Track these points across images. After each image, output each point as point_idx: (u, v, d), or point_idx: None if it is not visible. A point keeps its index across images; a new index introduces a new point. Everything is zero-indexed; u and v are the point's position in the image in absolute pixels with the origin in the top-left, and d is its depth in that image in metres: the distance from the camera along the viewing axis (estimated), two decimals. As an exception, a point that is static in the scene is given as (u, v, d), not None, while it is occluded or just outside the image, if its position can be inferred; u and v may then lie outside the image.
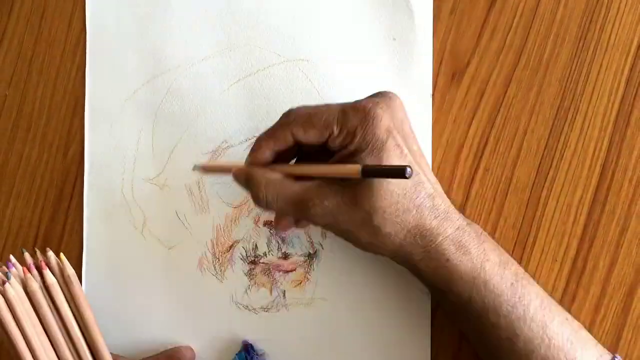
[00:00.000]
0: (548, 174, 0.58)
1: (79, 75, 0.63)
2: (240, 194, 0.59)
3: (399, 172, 0.46)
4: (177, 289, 0.60)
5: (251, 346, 0.59)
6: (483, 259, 0.51)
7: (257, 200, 0.52)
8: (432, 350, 0.58)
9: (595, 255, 0.58)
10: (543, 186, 0.58)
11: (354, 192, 0.49)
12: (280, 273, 0.60)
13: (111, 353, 0.55)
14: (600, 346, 0.52)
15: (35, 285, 0.52)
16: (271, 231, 0.60)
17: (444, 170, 0.59)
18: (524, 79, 0.59)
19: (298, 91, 0.60)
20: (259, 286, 0.60)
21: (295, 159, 0.55)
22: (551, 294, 0.57)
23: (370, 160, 0.49)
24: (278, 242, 0.60)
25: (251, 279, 0.60)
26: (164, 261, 0.61)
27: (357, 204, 0.49)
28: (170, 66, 0.61)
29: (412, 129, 0.52)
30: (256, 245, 0.60)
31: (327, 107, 0.51)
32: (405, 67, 0.59)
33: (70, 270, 0.53)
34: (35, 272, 0.53)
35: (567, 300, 0.58)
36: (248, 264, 0.60)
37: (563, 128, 0.58)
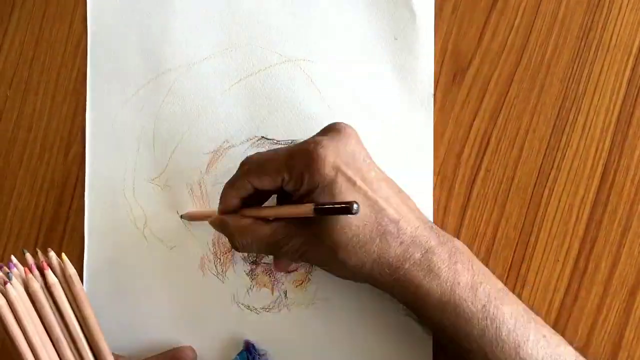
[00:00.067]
0: (550, 174, 0.58)
1: (79, 76, 0.63)
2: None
3: (346, 209, 0.47)
4: (178, 289, 0.60)
5: (253, 346, 0.59)
6: (453, 282, 0.51)
7: (234, 247, 0.55)
8: (433, 344, 0.58)
9: (597, 256, 0.58)
10: (545, 186, 0.58)
11: (316, 229, 0.51)
12: (282, 273, 0.60)
13: (113, 353, 0.55)
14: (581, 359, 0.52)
15: (36, 285, 0.52)
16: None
17: (445, 171, 0.59)
18: (526, 79, 0.59)
19: (299, 91, 0.60)
20: (260, 286, 0.60)
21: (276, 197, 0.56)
22: (553, 294, 0.58)
23: (323, 198, 0.50)
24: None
25: (253, 279, 0.60)
26: (165, 261, 0.60)
27: (320, 240, 0.51)
28: (172, 66, 0.61)
29: (368, 156, 0.53)
30: (257, 246, 0.60)
31: (276, 153, 0.52)
32: (407, 66, 0.59)
33: (71, 270, 0.53)
34: (36, 272, 0.53)
35: (569, 300, 0.58)
36: (249, 264, 0.60)
37: (565, 128, 0.58)
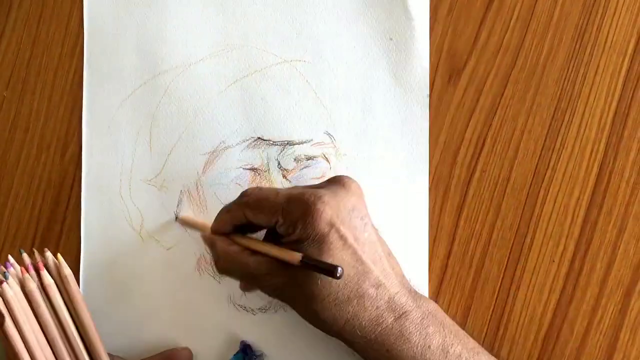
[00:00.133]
0: (545, 174, 0.58)
1: (76, 76, 0.63)
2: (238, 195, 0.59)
3: (330, 271, 0.48)
4: (174, 290, 0.60)
5: (249, 347, 0.59)
6: (424, 346, 0.51)
7: (216, 267, 0.55)
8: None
9: (593, 257, 0.58)
10: (540, 187, 0.58)
11: (298, 275, 0.51)
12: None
13: (108, 353, 0.55)
14: None
15: (32, 285, 0.52)
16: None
17: (441, 172, 0.59)
18: (521, 80, 0.59)
19: (295, 91, 0.60)
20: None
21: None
22: (548, 295, 0.58)
23: (312, 250, 0.50)
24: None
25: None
26: (161, 262, 0.60)
27: (299, 287, 0.51)
28: (168, 67, 0.61)
29: (366, 216, 0.53)
30: (254, 246, 0.60)
31: (277, 194, 0.53)
32: (402, 67, 0.60)
33: (67, 271, 0.54)
34: (33, 272, 0.53)
35: (564, 301, 0.58)
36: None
37: (560, 129, 0.58)
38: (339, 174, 0.55)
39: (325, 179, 0.56)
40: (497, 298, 0.58)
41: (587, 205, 0.58)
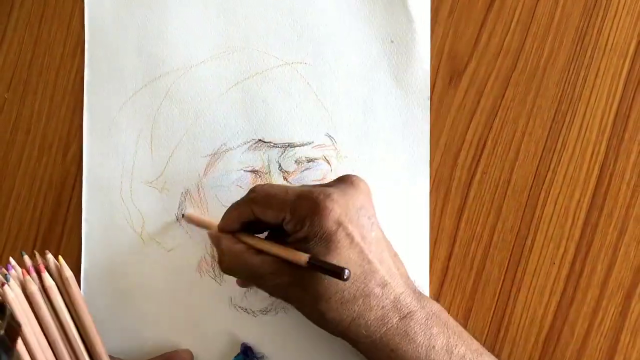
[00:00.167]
0: (546, 176, 0.58)
1: (78, 77, 0.63)
2: (240, 197, 0.59)
3: (337, 273, 0.48)
4: (175, 292, 0.60)
5: (250, 349, 0.59)
6: (428, 347, 0.51)
7: (220, 266, 0.55)
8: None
9: (593, 259, 0.58)
10: (541, 189, 0.58)
11: (304, 275, 0.51)
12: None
13: (109, 355, 0.55)
14: None
15: (34, 287, 0.52)
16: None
17: (441, 174, 0.59)
18: (522, 82, 0.59)
19: (296, 94, 0.60)
20: (257, 289, 0.60)
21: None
22: (549, 297, 0.58)
23: (319, 248, 0.50)
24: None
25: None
26: (162, 264, 0.60)
27: (305, 287, 0.51)
28: (169, 69, 0.61)
29: (374, 215, 0.53)
30: (255, 248, 0.60)
31: (286, 191, 0.52)
32: (403, 69, 0.60)
33: (68, 273, 0.54)
34: (34, 274, 0.53)
35: (565, 303, 0.58)
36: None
37: (561, 131, 0.58)
38: (347, 173, 0.54)
39: (326, 181, 0.57)
40: (497, 300, 0.58)
41: (587, 208, 0.58)
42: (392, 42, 0.60)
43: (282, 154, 0.60)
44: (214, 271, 0.60)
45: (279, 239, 0.53)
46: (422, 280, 0.58)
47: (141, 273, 0.61)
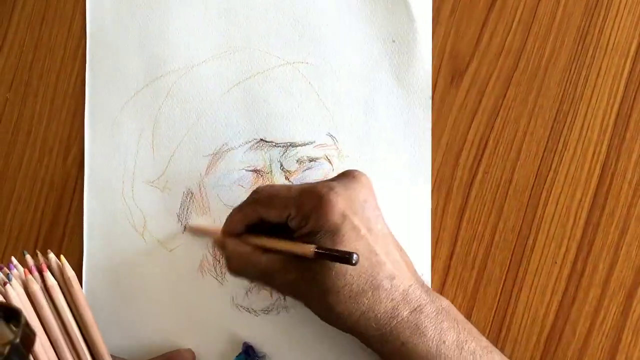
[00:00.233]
0: (547, 176, 0.58)
1: (79, 79, 0.63)
2: (241, 196, 0.59)
3: (345, 258, 0.47)
4: (177, 291, 0.60)
5: (252, 348, 0.59)
6: (439, 341, 0.51)
7: (228, 269, 0.55)
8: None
9: (595, 258, 0.58)
10: (542, 189, 0.58)
11: (312, 269, 0.51)
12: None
13: (111, 355, 0.55)
14: None
15: (36, 286, 0.52)
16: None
17: (443, 173, 0.59)
18: (523, 82, 0.59)
19: (298, 93, 0.60)
20: (259, 288, 0.60)
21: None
22: (551, 296, 0.58)
23: (325, 242, 0.50)
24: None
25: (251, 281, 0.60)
26: (164, 263, 0.61)
27: (314, 280, 0.51)
28: (170, 69, 0.61)
29: (377, 208, 0.53)
30: (256, 248, 0.60)
31: (289, 189, 0.53)
32: (405, 69, 0.60)
33: (70, 272, 0.54)
34: (36, 273, 0.53)
35: (566, 303, 0.58)
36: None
37: (562, 131, 0.58)
38: (349, 169, 0.55)
39: (328, 180, 0.57)
40: (499, 300, 0.58)
41: (589, 207, 0.58)
42: (393, 41, 0.60)
43: (284, 153, 0.60)
44: (215, 271, 0.60)
45: (283, 237, 0.53)
46: (424, 280, 0.58)
47: (143, 273, 0.61)
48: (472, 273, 0.59)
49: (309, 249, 0.49)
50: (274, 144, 0.60)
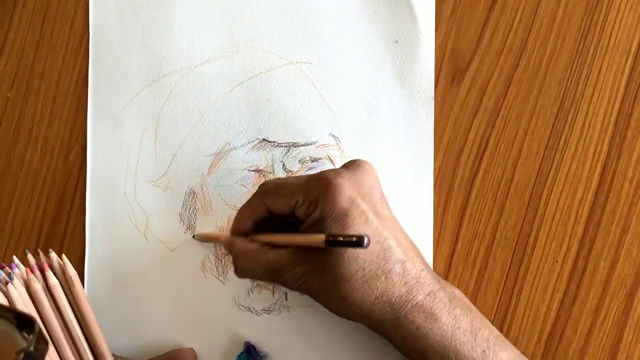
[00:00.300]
0: (548, 175, 0.58)
1: (80, 78, 0.63)
2: (243, 196, 0.59)
3: (357, 242, 0.47)
4: (179, 291, 0.60)
5: (253, 348, 0.59)
6: (454, 327, 0.51)
7: (235, 268, 0.55)
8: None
9: (596, 257, 0.58)
10: (543, 187, 0.58)
11: (322, 258, 0.50)
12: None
13: (113, 354, 0.55)
14: None
15: (37, 285, 0.52)
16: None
17: (444, 172, 0.59)
18: (524, 81, 0.59)
19: (300, 93, 0.60)
20: (261, 288, 0.60)
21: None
22: (552, 295, 0.58)
23: (335, 229, 0.50)
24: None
25: (254, 281, 0.60)
26: (166, 263, 0.61)
27: (325, 270, 0.50)
28: (173, 68, 0.61)
29: (383, 194, 0.53)
30: (258, 247, 0.60)
31: (296, 178, 0.54)
32: (407, 69, 0.60)
33: (72, 272, 0.54)
34: (37, 273, 0.53)
35: (567, 301, 0.58)
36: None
37: (563, 129, 0.58)
38: (353, 159, 0.55)
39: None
40: (500, 298, 0.59)
41: (590, 206, 0.58)
42: (396, 42, 0.60)
43: (286, 153, 0.60)
44: (217, 270, 0.60)
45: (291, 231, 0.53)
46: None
47: (144, 272, 0.61)
48: (473, 272, 0.59)
49: (320, 237, 0.49)
50: (276, 144, 0.60)
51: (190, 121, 0.61)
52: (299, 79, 0.60)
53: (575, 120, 0.58)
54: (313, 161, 0.60)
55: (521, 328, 0.58)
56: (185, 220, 0.61)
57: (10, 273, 0.52)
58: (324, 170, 0.53)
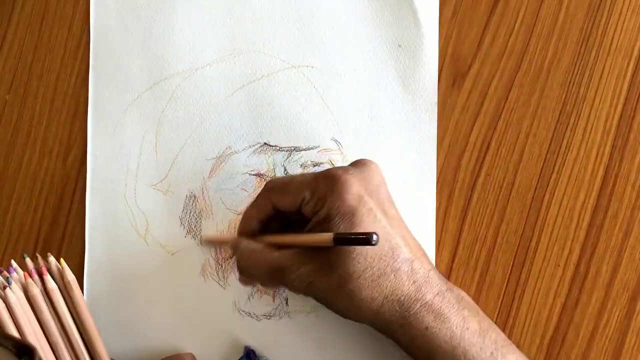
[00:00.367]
0: (550, 178, 0.58)
1: (79, 79, 0.62)
2: (244, 200, 0.59)
3: (365, 239, 0.46)
4: (179, 295, 0.60)
5: (253, 352, 0.59)
6: (463, 327, 0.50)
7: (238, 268, 0.55)
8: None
9: (598, 260, 0.58)
10: (545, 191, 0.58)
11: (329, 257, 0.50)
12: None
13: (111, 359, 0.55)
14: None
15: (36, 290, 0.52)
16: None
17: (445, 175, 0.59)
18: (526, 83, 0.59)
19: (302, 97, 0.60)
20: (261, 293, 0.60)
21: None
22: (554, 299, 0.58)
23: (343, 226, 0.49)
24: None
25: (254, 286, 0.60)
26: (166, 267, 0.60)
27: (332, 268, 0.50)
28: (174, 71, 0.61)
29: (390, 194, 0.53)
30: (259, 251, 0.60)
31: (302, 175, 0.53)
32: (410, 74, 0.60)
33: (70, 276, 0.54)
34: (36, 277, 0.53)
35: (569, 305, 0.58)
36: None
37: (565, 132, 0.58)
38: (358, 158, 0.54)
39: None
40: (502, 302, 0.58)
41: (592, 209, 0.58)
42: (399, 46, 0.60)
43: (288, 157, 0.60)
44: (217, 275, 0.60)
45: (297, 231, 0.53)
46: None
47: (144, 276, 0.60)
48: (474, 275, 0.59)
49: (328, 236, 0.48)
50: (277, 148, 0.60)
51: (192, 124, 0.61)
52: (301, 83, 0.60)
53: (578, 123, 0.58)
54: (315, 166, 0.60)
55: (523, 332, 0.58)
56: (186, 224, 0.60)
57: (8, 277, 0.52)
58: (331, 167, 0.53)
